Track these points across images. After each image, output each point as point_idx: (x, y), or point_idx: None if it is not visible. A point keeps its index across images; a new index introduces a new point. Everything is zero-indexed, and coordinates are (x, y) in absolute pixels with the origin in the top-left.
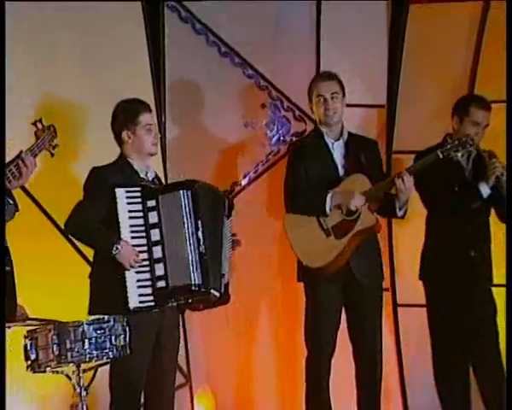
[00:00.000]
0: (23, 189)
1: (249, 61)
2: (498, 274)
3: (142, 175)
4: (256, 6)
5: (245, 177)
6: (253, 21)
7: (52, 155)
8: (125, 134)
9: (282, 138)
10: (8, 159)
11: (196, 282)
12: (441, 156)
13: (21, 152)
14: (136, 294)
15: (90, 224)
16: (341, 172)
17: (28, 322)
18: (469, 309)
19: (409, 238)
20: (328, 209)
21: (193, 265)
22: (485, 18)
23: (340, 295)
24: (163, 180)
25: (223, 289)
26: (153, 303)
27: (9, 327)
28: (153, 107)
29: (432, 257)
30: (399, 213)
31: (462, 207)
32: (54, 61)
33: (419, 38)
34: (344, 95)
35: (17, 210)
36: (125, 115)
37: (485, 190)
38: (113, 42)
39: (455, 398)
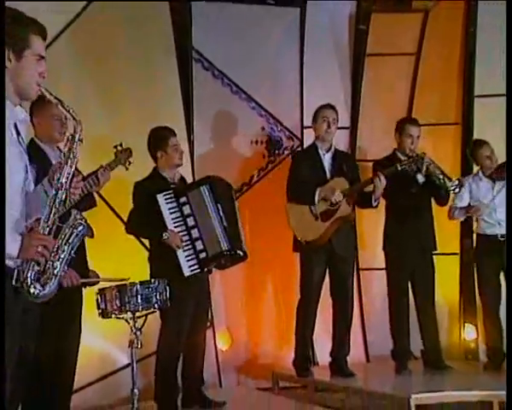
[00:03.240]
0: None
1: (253, 96)
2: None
3: (169, 181)
4: (258, 57)
5: (251, 179)
6: (257, 68)
7: (127, 169)
8: (159, 153)
9: (276, 152)
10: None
11: (226, 248)
12: (399, 169)
13: (101, 166)
14: (187, 265)
15: (142, 224)
16: (328, 175)
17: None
18: (417, 271)
19: (367, 221)
20: (316, 200)
21: (221, 236)
22: (417, 66)
23: (324, 262)
24: (191, 180)
25: (244, 249)
26: (199, 270)
27: (85, 287)
28: (184, 131)
29: (389, 233)
30: (374, 204)
31: (406, 192)
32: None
33: (373, 79)
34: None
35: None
36: (158, 139)
37: (420, 178)
38: (157, 87)
39: (403, 335)
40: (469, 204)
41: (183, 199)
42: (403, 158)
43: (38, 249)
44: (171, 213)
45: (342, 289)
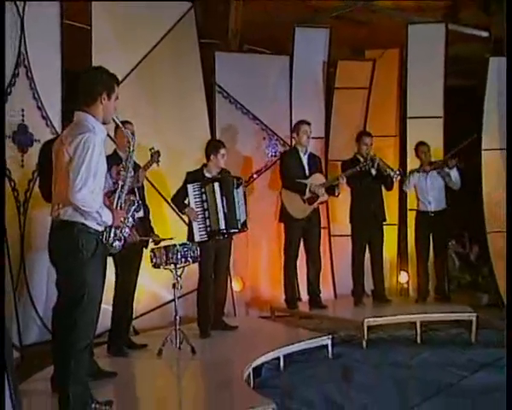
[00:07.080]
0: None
1: (257, 116)
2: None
3: (207, 175)
4: (261, 89)
5: (256, 173)
6: (260, 97)
7: (158, 165)
8: (212, 156)
9: (273, 155)
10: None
11: (223, 227)
12: (359, 169)
13: (139, 168)
14: (198, 234)
15: (178, 200)
16: (307, 171)
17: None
18: (372, 236)
19: (337, 202)
20: (307, 193)
21: (221, 219)
22: (369, 96)
23: (301, 229)
24: None
25: (239, 227)
26: (207, 238)
27: (146, 247)
28: None
29: (353, 210)
30: (336, 194)
31: (362, 181)
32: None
33: (339, 105)
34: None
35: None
36: (214, 147)
37: (373, 171)
38: (191, 109)
39: (360, 280)
40: (414, 186)
41: (203, 190)
42: (361, 159)
43: (121, 220)
44: (194, 198)
45: (313, 246)
